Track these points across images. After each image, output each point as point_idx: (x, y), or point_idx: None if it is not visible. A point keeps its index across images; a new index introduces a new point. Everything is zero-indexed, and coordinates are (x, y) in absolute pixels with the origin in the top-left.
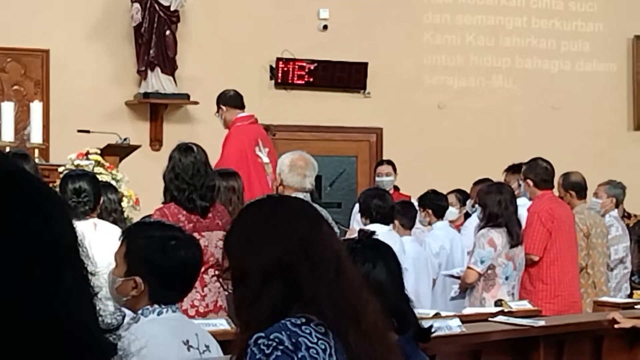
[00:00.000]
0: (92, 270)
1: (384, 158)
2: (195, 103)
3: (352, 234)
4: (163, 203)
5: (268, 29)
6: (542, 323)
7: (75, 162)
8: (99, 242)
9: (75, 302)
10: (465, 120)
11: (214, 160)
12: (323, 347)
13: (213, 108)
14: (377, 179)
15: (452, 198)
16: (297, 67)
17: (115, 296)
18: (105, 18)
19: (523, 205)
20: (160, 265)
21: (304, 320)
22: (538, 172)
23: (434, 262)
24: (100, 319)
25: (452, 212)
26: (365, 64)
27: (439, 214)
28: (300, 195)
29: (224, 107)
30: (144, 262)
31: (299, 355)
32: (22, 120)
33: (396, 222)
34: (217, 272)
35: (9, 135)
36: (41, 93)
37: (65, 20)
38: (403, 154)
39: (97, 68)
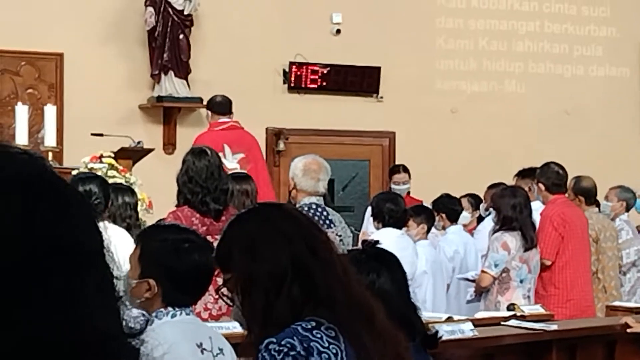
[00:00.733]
0: (117, 275)
1: (397, 162)
2: None
3: (365, 237)
4: (176, 206)
5: (281, 33)
6: (554, 327)
7: (89, 166)
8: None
9: (98, 307)
10: (478, 125)
11: None
12: (334, 351)
13: None
14: (393, 186)
15: (464, 202)
16: (310, 71)
17: (129, 298)
18: (119, 22)
19: (536, 209)
20: (173, 268)
21: (314, 324)
22: (550, 176)
23: (448, 266)
24: (123, 323)
25: (465, 216)
26: (378, 68)
27: (453, 218)
28: (314, 199)
29: (209, 113)
30: (158, 264)
31: None
32: (36, 124)
33: (414, 223)
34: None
35: (23, 139)
36: (55, 96)
37: (79, 23)
38: (415, 158)
39: (110, 71)
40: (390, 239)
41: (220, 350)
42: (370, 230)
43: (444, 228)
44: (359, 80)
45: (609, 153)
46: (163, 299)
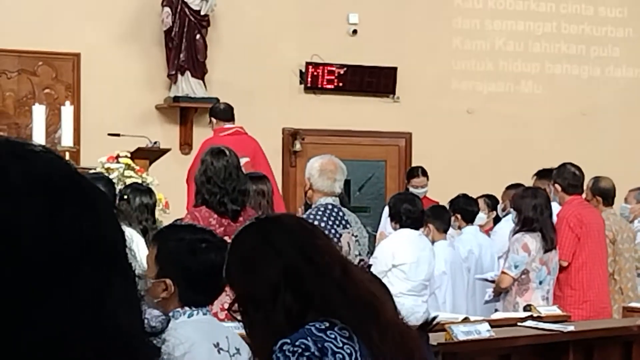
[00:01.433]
0: (140, 274)
1: (413, 163)
2: None
3: (382, 238)
4: (194, 206)
5: (298, 33)
6: (571, 328)
7: (106, 166)
8: None
9: (122, 306)
10: (494, 126)
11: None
12: (349, 351)
13: (243, 112)
14: (411, 189)
15: (480, 203)
16: (326, 71)
17: (147, 298)
18: (135, 22)
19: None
20: (190, 268)
21: (327, 324)
22: (566, 177)
23: (462, 266)
24: (145, 322)
25: (481, 217)
26: (395, 69)
27: (468, 219)
28: (330, 199)
29: (214, 120)
30: (174, 264)
31: None
32: (53, 124)
33: (430, 226)
34: None
35: (40, 139)
36: (72, 96)
37: (96, 24)
38: (432, 159)
39: (127, 72)
40: (407, 239)
41: (237, 350)
42: (388, 230)
43: (460, 228)
44: (376, 81)
45: (626, 154)
46: (180, 299)
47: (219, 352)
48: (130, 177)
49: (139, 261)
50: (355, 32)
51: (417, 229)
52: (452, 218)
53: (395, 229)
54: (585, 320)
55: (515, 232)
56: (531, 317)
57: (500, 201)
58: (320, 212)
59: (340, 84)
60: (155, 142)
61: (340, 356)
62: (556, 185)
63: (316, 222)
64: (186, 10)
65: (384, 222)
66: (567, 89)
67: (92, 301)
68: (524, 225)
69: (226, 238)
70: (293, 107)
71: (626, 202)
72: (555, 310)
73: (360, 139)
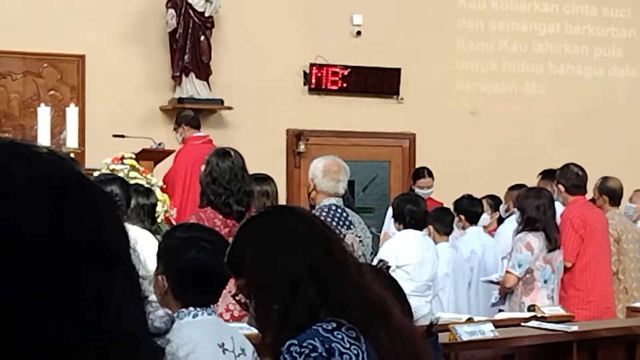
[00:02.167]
0: (144, 275)
1: (417, 164)
2: (229, 108)
3: (386, 239)
4: (199, 207)
5: (302, 34)
6: (575, 328)
7: (111, 167)
8: None
9: (124, 307)
10: (498, 127)
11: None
12: (356, 352)
13: (247, 114)
14: (417, 190)
15: (483, 204)
16: (330, 72)
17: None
18: (140, 24)
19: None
20: (178, 265)
21: (334, 325)
22: (569, 178)
23: (465, 266)
24: (149, 322)
25: (484, 218)
26: (399, 70)
27: (472, 220)
28: (333, 200)
29: (185, 127)
30: (166, 260)
31: None
32: (58, 125)
33: (430, 227)
34: None
35: (45, 140)
36: (77, 98)
37: (100, 26)
38: (436, 160)
39: (132, 73)
40: (411, 240)
41: (242, 350)
42: (392, 231)
43: (464, 228)
44: (379, 82)
45: (630, 154)
46: (174, 297)
47: (224, 353)
48: (135, 178)
49: (142, 262)
50: (359, 33)
51: (420, 229)
52: (456, 219)
53: (398, 230)
54: (589, 321)
55: (518, 231)
56: (535, 317)
57: (503, 202)
58: (324, 213)
59: (344, 85)
60: (159, 144)
61: (348, 357)
62: (559, 186)
63: None
64: (190, 11)
65: (387, 223)
66: (571, 89)
67: (93, 301)
68: (527, 224)
69: (231, 239)
70: (297, 108)
71: (631, 201)
72: (559, 311)
73: (364, 139)
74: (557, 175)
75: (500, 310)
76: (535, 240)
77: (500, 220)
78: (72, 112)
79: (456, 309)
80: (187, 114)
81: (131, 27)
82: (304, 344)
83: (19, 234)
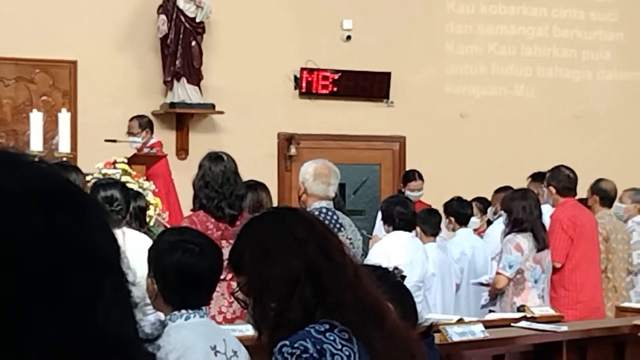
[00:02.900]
0: (133, 281)
1: (407, 167)
2: (221, 113)
3: (376, 240)
4: (192, 210)
5: (292, 39)
6: (564, 328)
7: (103, 171)
8: (128, 250)
9: (114, 313)
10: (487, 130)
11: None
12: (347, 353)
13: (238, 118)
14: (408, 192)
15: (473, 207)
16: (321, 77)
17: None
18: (131, 29)
19: (546, 212)
20: (164, 267)
21: (327, 326)
22: (560, 180)
23: (456, 267)
24: (139, 328)
25: (473, 221)
26: (388, 74)
27: (462, 221)
28: (324, 203)
29: (149, 131)
30: (154, 263)
31: None
32: (50, 130)
33: (418, 229)
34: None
35: (37, 145)
36: (69, 103)
37: (92, 31)
38: (425, 163)
39: (123, 78)
40: (401, 242)
41: (234, 352)
42: (382, 233)
43: (454, 230)
44: (370, 86)
45: (618, 157)
46: (164, 300)
47: (215, 355)
48: (127, 182)
49: (132, 268)
50: (349, 37)
51: (409, 231)
52: (446, 221)
53: (387, 232)
54: (579, 321)
55: (506, 233)
56: (525, 318)
57: (491, 204)
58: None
59: (335, 89)
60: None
61: (339, 358)
62: (550, 188)
63: None
64: (181, 17)
65: (378, 226)
66: (560, 92)
67: (82, 307)
68: (514, 226)
69: (223, 242)
70: (288, 112)
71: (621, 201)
72: (548, 311)
73: (354, 143)
74: (548, 177)
75: (491, 311)
76: (525, 241)
77: (490, 223)
78: (64, 117)
79: (443, 309)
80: (149, 119)
81: (123, 33)
82: (296, 345)
83: (11, 241)
